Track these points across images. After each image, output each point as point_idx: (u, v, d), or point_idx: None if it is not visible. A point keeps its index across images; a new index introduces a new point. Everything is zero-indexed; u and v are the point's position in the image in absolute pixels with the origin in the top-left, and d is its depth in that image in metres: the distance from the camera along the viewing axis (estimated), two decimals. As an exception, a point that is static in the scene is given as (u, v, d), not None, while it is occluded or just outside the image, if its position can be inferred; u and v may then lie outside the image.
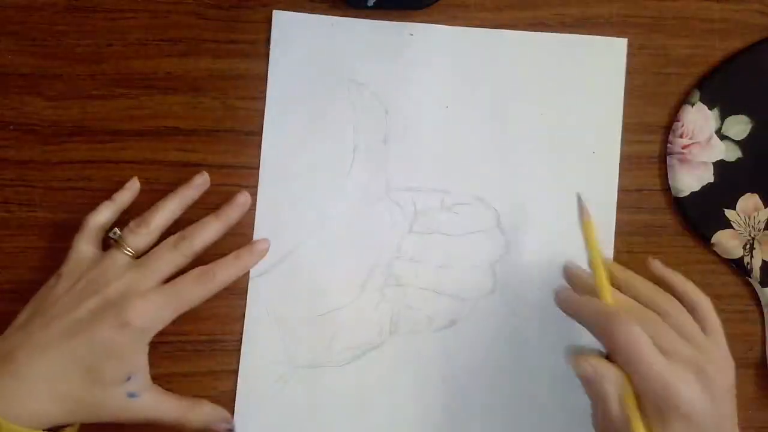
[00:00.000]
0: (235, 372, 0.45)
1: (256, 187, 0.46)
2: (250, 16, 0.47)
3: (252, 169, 0.46)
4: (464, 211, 0.46)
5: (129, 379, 0.38)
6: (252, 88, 0.46)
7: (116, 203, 0.43)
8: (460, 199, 0.46)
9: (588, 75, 0.47)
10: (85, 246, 0.42)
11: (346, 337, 0.45)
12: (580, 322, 0.38)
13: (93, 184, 0.45)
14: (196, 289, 0.40)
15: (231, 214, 0.43)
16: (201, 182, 0.44)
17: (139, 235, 0.41)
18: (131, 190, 0.44)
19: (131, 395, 0.38)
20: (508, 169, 0.46)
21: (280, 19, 0.46)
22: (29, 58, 0.46)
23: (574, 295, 0.39)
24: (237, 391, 0.44)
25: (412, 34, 0.47)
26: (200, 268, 0.41)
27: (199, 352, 0.45)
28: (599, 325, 0.36)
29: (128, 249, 0.41)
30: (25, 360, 0.37)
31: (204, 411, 0.41)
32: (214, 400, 0.45)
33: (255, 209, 0.45)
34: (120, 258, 0.41)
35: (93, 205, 0.45)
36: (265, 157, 0.46)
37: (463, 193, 0.46)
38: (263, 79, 0.46)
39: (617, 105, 0.47)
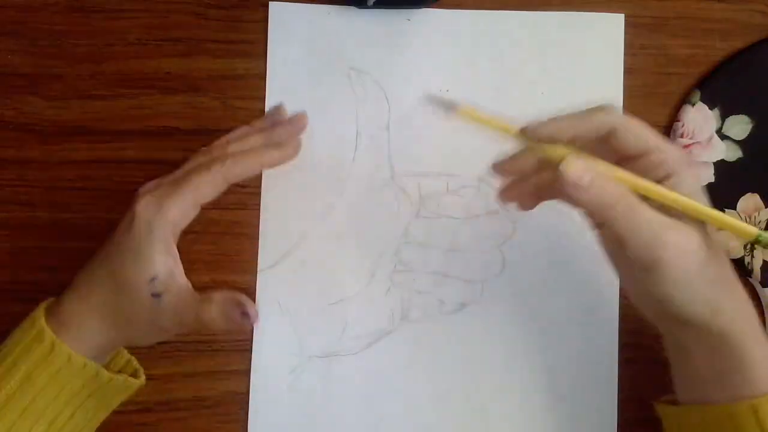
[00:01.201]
0: (235, 372, 0.45)
1: (258, 187, 0.46)
2: (250, 16, 0.47)
3: (252, 169, 0.46)
4: (470, 194, 0.46)
5: (153, 279, 0.37)
6: (252, 88, 0.46)
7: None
8: (465, 182, 0.46)
9: (587, 52, 0.47)
10: None
11: (357, 325, 0.45)
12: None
13: (93, 184, 0.45)
14: (205, 175, 0.38)
15: (278, 126, 0.43)
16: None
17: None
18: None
19: (156, 295, 0.37)
20: (512, 149, 0.46)
21: (277, 10, 0.46)
22: (29, 58, 0.46)
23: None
24: (251, 384, 0.45)
25: (409, 19, 0.47)
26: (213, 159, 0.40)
27: (199, 352, 0.45)
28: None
29: None
30: (75, 283, 0.38)
31: (216, 299, 0.38)
32: (215, 400, 0.45)
33: (260, 201, 0.46)
34: None
35: (93, 205, 0.45)
36: None
37: (468, 175, 0.46)
38: (263, 78, 0.46)
39: (617, 81, 0.47)
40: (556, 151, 0.35)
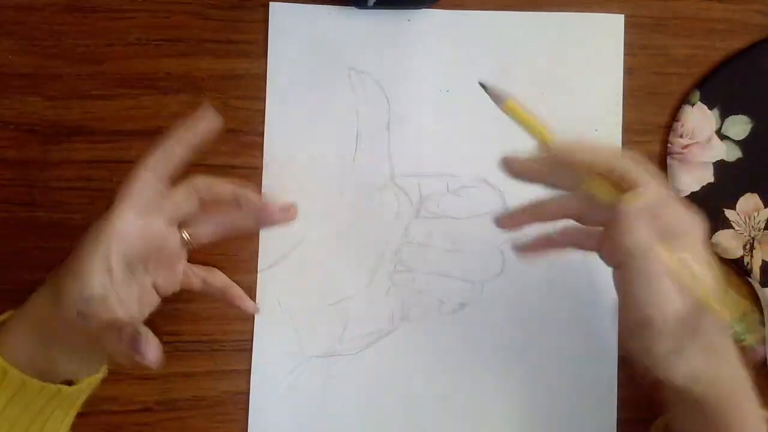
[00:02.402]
0: (235, 372, 0.45)
1: (258, 187, 0.46)
2: (250, 16, 0.47)
3: (253, 168, 0.46)
4: (470, 194, 0.46)
5: (86, 298, 0.35)
6: (252, 88, 0.46)
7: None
8: (465, 182, 0.46)
9: (587, 52, 0.47)
10: None
11: (357, 325, 0.45)
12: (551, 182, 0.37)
13: (93, 184, 0.45)
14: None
15: (262, 214, 0.41)
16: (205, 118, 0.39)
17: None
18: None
19: (81, 315, 0.35)
20: (512, 149, 0.46)
21: (278, 10, 0.46)
22: (29, 58, 0.46)
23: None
24: (251, 384, 0.45)
25: (409, 20, 0.47)
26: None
27: (199, 352, 0.45)
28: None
29: None
30: (29, 298, 0.37)
31: (124, 331, 0.34)
32: (215, 400, 0.45)
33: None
34: None
35: (93, 205, 0.45)
36: (268, 148, 0.46)
37: (468, 175, 0.46)
38: (263, 78, 0.46)
39: (617, 81, 0.47)
40: (601, 188, 0.35)
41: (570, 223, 0.38)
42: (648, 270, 0.34)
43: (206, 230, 0.40)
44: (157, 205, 0.37)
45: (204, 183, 0.39)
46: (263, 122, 0.46)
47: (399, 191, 0.46)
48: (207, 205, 0.39)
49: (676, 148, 0.47)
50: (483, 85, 0.37)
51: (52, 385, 0.36)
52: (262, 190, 0.46)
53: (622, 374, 0.46)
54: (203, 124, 0.38)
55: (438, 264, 0.46)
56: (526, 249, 0.41)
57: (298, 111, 0.46)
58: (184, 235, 0.39)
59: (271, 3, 0.46)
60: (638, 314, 0.34)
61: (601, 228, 0.37)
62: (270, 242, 0.45)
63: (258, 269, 0.45)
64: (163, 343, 0.44)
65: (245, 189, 0.39)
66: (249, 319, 0.45)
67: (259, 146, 0.46)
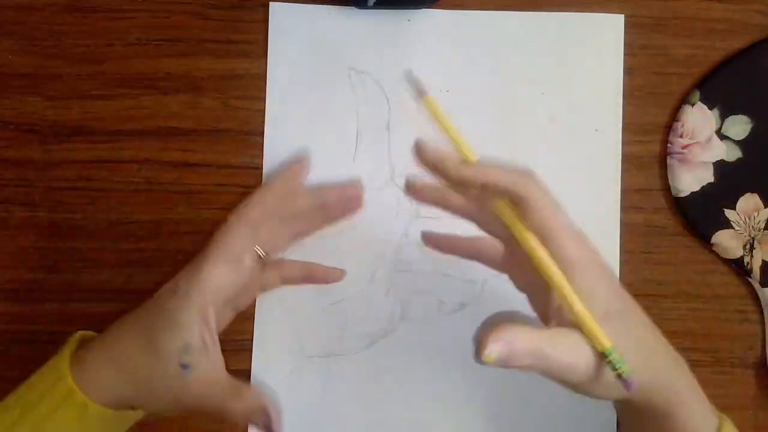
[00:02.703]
0: (235, 372, 0.44)
1: (257, 186, 0.46)
2: (250, 16, 0.47)
3: (253, 168, 0.46)
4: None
5: (185, 349, 0.35)
6: (252, 88, 0.46)
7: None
8: None
9: (587, 52, 0.47)
10: None
11: (357, 325, 0.45)
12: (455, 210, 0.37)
13: (93, 184, 0.45)
14: (236, 235, 0.37)
15: (333, 211, 0.41)
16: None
17: None
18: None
19: (184, 367, 0.35)
20: (512, 149, 0.47)
21: (278, 10, 0.46)
22: (29, 58, 0.46)
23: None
24: (251, 383, 0.45)
25: (409, 20, 0.47)
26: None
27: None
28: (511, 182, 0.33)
29: None
30: (107, 330, 0.37)
31: (246, 398, 0.36)
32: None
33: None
34: None
35: (93, 205, 0.45)
36: (268, 148, 0.46)
37: None
38: (263, 78, 0.46)
39: (617, 81, 0.47)
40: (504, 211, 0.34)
41: (481, 236, 0.38)
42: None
43: (281, 242, 0.40)
44: (246, 249, 0.38)
45: (287, 208, 0.39)
46: (263, 122, 0.46)
47: (399, 191, 0.46)
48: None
49: (676, 148, 0.47)
50: (407, 76, 0.37)
51: (109, 411, 0.36)
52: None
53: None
54: (297, 169, 0.40)
55: (438, 264, 0.46)
56: (431, 240, 0.41)
57: (298, 111, 0.46)
58: (260, 253, 0.39)
59: (271, 3, 0.46)
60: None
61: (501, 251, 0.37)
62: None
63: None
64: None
65: (325, 192, 0.40)
66: (249, 318, 0.45)
67: (259, 146, 0.46)
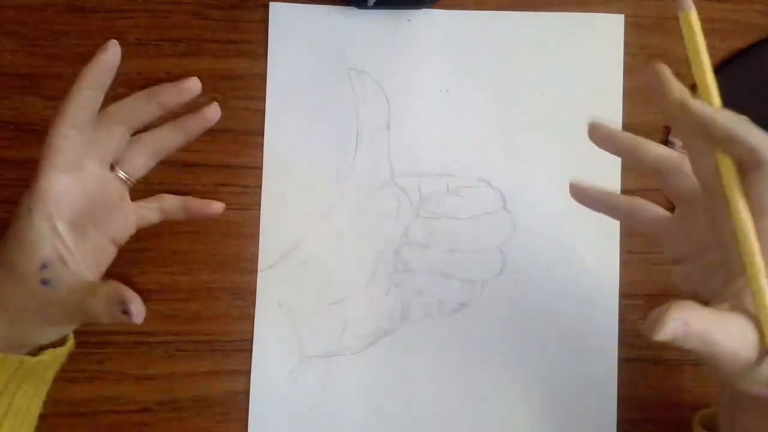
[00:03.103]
0: (235, 372, 0.45)
1: (258, 186, 0.46)
2: (250, 16, 0.47)
3: (253, 168, 0.46)
4: (470, 194, 0.46)
5: (43, 266, 0.34)
6: (252, 88, 0.46)
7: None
8: (465, 182, 0.46)
9: (587, 52, 0.47)
10: None
11: (357, 325, 0.45)
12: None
13: (93, 184, 0.45)
14: (62, 139, 0.35)
15: (190, 124, 0.40)
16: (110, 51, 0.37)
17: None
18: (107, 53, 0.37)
19: (45, 282, 0.34)
20: (512, 149, 0.47)
21: (278, 11, 0.46)
22: (29, 58, 0.46)
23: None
24: (251, 383, 0.45)
25: (409, 20, 0.47)
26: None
27: (199, 352, 0.45)
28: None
29: None
30: None
31: (99, 291, 0.35)
32: (215, 400, 0.45)
33: (260, 201, 0.46)
34: None
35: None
36: (268, 148, 0.46)
37: (468, 176, 0.46)
38: (263, 78, 0.46)
39: (617, 81, 0.47)
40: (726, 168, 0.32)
41: (637, 200, 0.37)
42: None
43: (140, 162, 0.40)
44: (83, 155, 0.36)
45: (122, 109, 0.38)
46: (263, 122, 0.46)
47: (399, 191, 0.46)
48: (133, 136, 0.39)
49: (676, 148, 0.47)
50: None
51: (13, 356, 0.34)
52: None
53: (622, 374, 0.46)
54: (105, 57, 0.36)
55: (438, 264, 0.46)
56: (581, 193, 0.39)
57: (298, 111, 0.46)
58: (120, 175, 0.39)
59: (271, 3, 0.46)
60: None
61: (665, 215, 0.36)
62: (270, 242, 0.45)
63: (258, 269, 0.45)
64: (164, 343, 0.45)
65: (159, 87, 0.39)
66: (249, 318, 0.45)
67: (259, 146, 0.46)
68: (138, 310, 0.34)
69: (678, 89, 0.34)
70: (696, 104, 0.32)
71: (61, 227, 0.35)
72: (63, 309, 0.35)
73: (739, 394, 0.34)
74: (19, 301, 0.35)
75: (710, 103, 0.33)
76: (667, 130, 0.47)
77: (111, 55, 0.36)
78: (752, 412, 0.34)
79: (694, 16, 0.34)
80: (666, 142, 0.47)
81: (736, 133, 0.31)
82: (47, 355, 0.36)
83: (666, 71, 0.35)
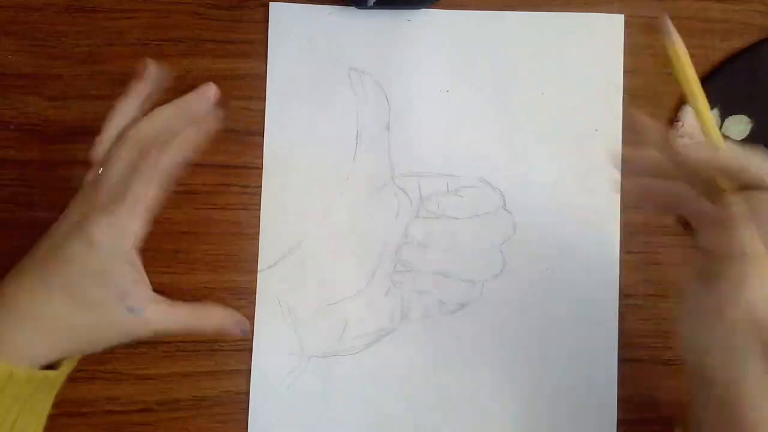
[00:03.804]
0: (235, 372, 0.45)
1: (258, 187, 0.46)
2: (250, 16, 0.47)
3: (253, 168, 0.46)
4: (470, 194, 0.46)
5: (125, 297, 0.35)
6: (252, 88, 0.46)
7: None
8: (465, 182, 0.46)
9: (586, 52, 0.47)
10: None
11: (358, 325, 0.45)
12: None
13: (93, 184, 0.45)
14: (150, 184, 0.36)
15: (191, 101, 0.39)
16: (150, 73, 0.39)
17: (96, 146, 0.38)
18: (149, 77, 0.39)
19: (131, 310, 0.35)
20: (512, 149, 0.47)
21: (277, 11, 0.46)
22: (29, 58, 0.46)
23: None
24: (251, 383, 0.45)
25: (409, 20, 0.47)
26: (144, 162, 0.37)
27: (199, 352, 0.45)
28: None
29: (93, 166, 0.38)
30: (7, 292, 0.35)
31: (215, 315, 0.38)
32: (215, 400, 0.45)
33: (260, 201, 0.46)
34: (89, 175, 0.38)
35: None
36: (268, 148, 0.46)
37: (468, 175, 0.46)
38: (263, 78, 0.46)
39: (617, 81, 0.47)
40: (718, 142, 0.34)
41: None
42: (743, 272, 0.32)
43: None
44: (149, 217, 0.37)
45: (161, 133, 0.38)
46: (263, 122, 0.46)
47: (399, 191, 0.46)
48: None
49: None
50: (664, 19, 0.36)
51: (39, 373, 0.35)
52: (263, 193, 0.46)
53: (622, 374, 0.46)
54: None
55: (438, 264, 0.46)
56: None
57: (298, 111, 0.46)
58: None
59: (271, 4, 0.46)
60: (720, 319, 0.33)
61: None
62: (270, 242, 0.45)
63: (258, 269, 0.45)
64: (164, 343, 0.45)
65: (185, 102, 0.38)
66: (249, 318, 0.45)
67: (259, 146, 0.46)
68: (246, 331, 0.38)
69: (656, 130, 0.35)
70: (703, 152, 0.34)
71: (137, 258, 0.36)
72: (158, 331, 0.36)
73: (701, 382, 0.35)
74: (96, 327, 0.36)
75: (710, 135, 0.35)
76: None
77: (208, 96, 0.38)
78: (713, 409, 0.35)
79: (682, 49, 0.36)
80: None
81: (745, 165, 0.33)
82: (66, 366, 0.37)
83: (642, 119, 0.36)
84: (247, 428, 0.45)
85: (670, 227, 0.47)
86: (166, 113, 0.38)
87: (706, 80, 0.47)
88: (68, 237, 0.36)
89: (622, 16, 0.47)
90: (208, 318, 0.38)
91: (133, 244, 0.36)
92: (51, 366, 0.36)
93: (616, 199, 0.46)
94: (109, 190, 0.36)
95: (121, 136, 0.38)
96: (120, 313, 0.35)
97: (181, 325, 0.37)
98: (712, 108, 0.46)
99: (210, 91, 0.38)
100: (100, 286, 0.35)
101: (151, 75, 0.39)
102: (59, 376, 0.36)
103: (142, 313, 0.36)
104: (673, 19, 0.48)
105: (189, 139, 0.38)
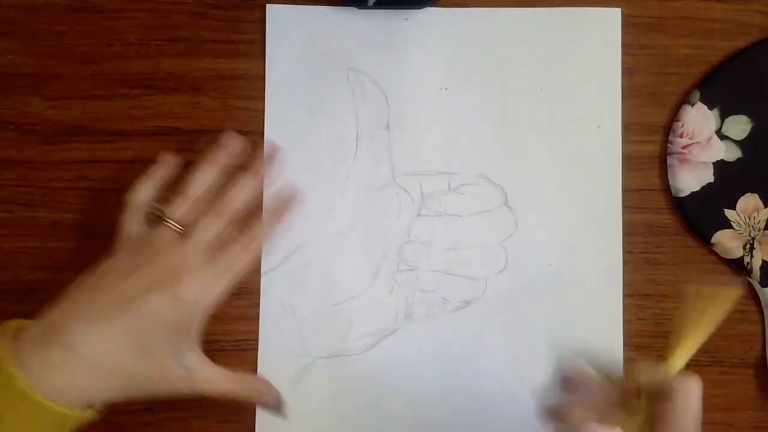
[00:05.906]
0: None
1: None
2: (250, 16, 0.47)
3: (252, 169, 0.46)
4: (471, 192, 0.46)
5: (184, 357, 0.38)
6: (252, 88, 0.46)
7: (153, 178, 0.43)
8: (466, 179, 0.46)
9: (584, 47, 0.47)
10: (130, 225, 0.41)
11: (362, 324, 0.45)
12: None
13: (93, 184, 0.45)
14: (241, 255, 0.40)
15: (261, 165, 0.44)
16: (230, 142, 0.43)
17: (178, 206, 0.41)
18: (164, 164, 0.43)
19: (187, 369, 0.38)
20: (512, 146, 0.47)
21: (274, 12, 0.46)
22: (29, 58, 0.46)
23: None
24: None
25: (407, 19, 0.47)
26: (243, 233, 0.41)
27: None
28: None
29: (171, 222, 0.40)
30: (75, 331, 0.36)
31: (258, 388, 0.41)
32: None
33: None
34: (165, 232, 0.40)
35: (93, 205, 0.45)
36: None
37: (469, 173, 0.46)
38: (263, 78, 0.46)
39: (616, 76, 0.47)
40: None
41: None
42: None
43: None
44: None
45: (206, 192, 0.42)
46: (263, 122, 0.46)
47: (400, 190, 0.46)
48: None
49: (676, 148, 0.47)
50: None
51: (78, 413, 0.36)
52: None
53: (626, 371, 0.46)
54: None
55: (441, 262, 0.46)
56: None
57: (298, 111, 0.46)
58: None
59: (267, 5, 0.46)
60: None
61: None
62: (272, 244, 0.45)
63: (261, 271, 0.45)
64: (164, 343, 0.44)
65: (215, 157, 0.43)
66: (251, 319, 0.45)
67: (259, 146, 0.46)
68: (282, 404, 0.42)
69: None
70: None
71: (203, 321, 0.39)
72: (204, 393, 0.39)
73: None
74: (150, 376, 0.37)
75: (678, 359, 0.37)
76: (668, 130, 0.47)
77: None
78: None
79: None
80: (666, 143, 0.47)
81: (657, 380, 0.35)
82: (100, 407, 0.38)
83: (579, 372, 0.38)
84: (251, 429, 0.45)
85: (670, 227, 0.47)
86: (248, 182, 0.42)
87: (705, 80, 0.47)
88: (153, 291, 0.37)
89: (619, 10, 0.47)
90: (250, 390, 0.41)
91: (213, 305, 0.39)
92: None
93: (618, 196, 0.46)
94: (199, 254, 0.39)
95: (211, 204, 0.41)
96: (176, 369, 0.38)
97: (224, 392, 0.39)
98: (711, 108, 0.46)
99: (234, 141, 0.43)
100: (170, 341, 0.38)
101: (235, 148, 0.43)
102: (94, 416, 0.37)
103: (196, 374, 0.38)
104: (673, 19, 0.48)
105: (276, 211, 0.44)
